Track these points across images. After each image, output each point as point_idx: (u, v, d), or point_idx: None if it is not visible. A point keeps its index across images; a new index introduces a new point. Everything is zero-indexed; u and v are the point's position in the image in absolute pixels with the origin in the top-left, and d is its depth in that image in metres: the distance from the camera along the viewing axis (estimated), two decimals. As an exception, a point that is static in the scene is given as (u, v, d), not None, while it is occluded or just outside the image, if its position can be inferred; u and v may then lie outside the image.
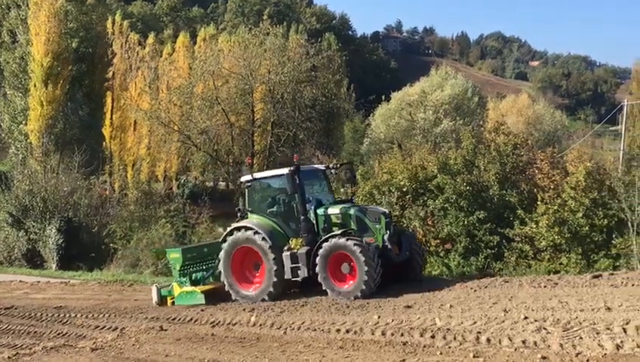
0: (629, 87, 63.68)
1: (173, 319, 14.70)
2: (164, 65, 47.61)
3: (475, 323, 10.97)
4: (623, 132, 46.50)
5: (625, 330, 9.41)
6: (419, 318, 11.80)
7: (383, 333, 11.19)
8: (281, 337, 12.05)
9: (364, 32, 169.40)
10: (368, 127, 52.11)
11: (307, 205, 16.31)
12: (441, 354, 9.76)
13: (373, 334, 11.27)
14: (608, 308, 10.84)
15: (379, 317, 12.20)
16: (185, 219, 28.61)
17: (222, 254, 16.48)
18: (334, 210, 16.31)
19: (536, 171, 21.30)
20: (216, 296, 16.42)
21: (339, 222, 16.16)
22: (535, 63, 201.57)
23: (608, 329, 9.59)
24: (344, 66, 51.68)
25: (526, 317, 10.80)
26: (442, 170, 21.35)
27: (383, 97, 50.99)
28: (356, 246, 14.78)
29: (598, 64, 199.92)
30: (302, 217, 16.03)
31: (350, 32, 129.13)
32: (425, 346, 10.21)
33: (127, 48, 53.24)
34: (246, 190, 17.44)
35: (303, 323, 12.71)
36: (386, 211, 16.78)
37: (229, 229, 16.83)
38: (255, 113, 37.31)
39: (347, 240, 15.02)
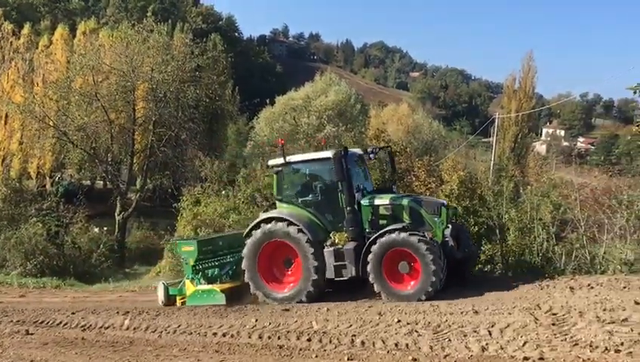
0: (501, 101, 66.96)
1: (41, 322, 14.03)
2: (40, 58, 45.50)
3: (350, 326, 11.18)
4: (494, 144, 49.00)
5: (490, 333, 9.87)
6: (296, 321, 11.89)
7: (260, 337, 11.19)
8: (156, 341, 11.81)
9: (251, 34, 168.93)
10: (252, 129, 52.05)
11: (356, 194, 14.48)
12: (316, 356, 9.87)
13: (250, 337, 11.25)
14: (476, 312, 11.33)
15: (256, 321, 12.19)
16: (58, 219, 27.42)
17: (247, 248, 14.64)
18: (383, 201, 14.59)
19: (414, 178, 21.99)
20: (237, 296, 14.77)
21: (388, 214, 14.42)
22: (415, 74, 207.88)
23: (475, 331, 10.03)
24: (229, 68, 51.19)
25: (399, 321, 11.11)
26: (324, 175, 21.60)
27: (268, 101, 51.14)
28: (422, 243, 13.11)
29: (474, 78, 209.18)
30: (348, 208, 14.09)
31: (237, 34, 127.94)
32: (301, 349, 10.31)
33: (-1, 38, 50.47)
34: (275, 176, 15.53)
35: (178, 326, 12.51)
36: (445, 202, 15.20)
37: (257, 220, 14.87)
38: (136, 111, 36.51)
39: (410, 235, 13.32)
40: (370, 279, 13.62)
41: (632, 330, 9.03)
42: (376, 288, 13.58)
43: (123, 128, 36.84)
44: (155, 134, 36.27)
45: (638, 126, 16.78)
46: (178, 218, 23.89)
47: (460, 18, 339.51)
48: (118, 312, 14.44)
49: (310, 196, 15.05)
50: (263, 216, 15.03)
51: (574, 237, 16.98)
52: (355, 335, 10.54)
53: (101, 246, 28.49)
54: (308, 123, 45.54)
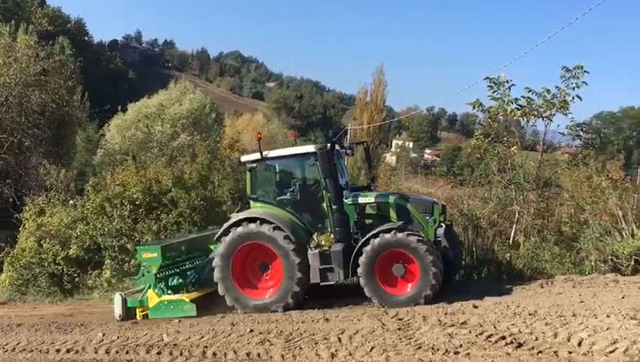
0: (354, 112, 69.05)
1: None
2: None
3: (202, 337, 11.04)
4: (346, 154, 50.30)
5: (340, 339, 10.08)
6: (146, 334, 11.60)
7: (107, 352, 10.81)
8: (-8, 360, 11.13)
9: (102, 39, 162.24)
10: (102, 137, 50.32)
11: (344, 192, 13.58)
12: (167, 369, 9.70)
13: (96, 353, 10.84)
14: (326, 319, 11.55)
15: (104, 335, 11.77)
16: None
17: (219, 252, 13.42)
18: (368, 199, 13.73)
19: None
20: (208, 306, 13.54)
21: (374, 213, 13.65)
22: (271, 84, 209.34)
23: (326, 339, 10.21)
24: (78, 73, 48.98)
25: (252, 330, 11.11)
26: (177, 184, 21.28)
27: (120, 108, 49.65)
28: (420, 244, 12.41)
29: (328, 89, 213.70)
30: (335, 207, 13.10)
31: (86, 38, 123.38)
32: (150, 363, 10.09)
33: None
34: (248, 173, 14.30)
35: (18, 344, 11.84)
36: (436, 200, 14.34)
37: (232, 221, 13.64)
38: (-27, 115, 34.23)
39: (408, 235, 12.54)
40: (361, 283, 12.91)
41: (470, 332, 9.56)
42: (367, 293, 12.89)
43: (-43, 133, 34.48)
44: (-6, 141, 34.15)
45: (477, 139, 17.85)
46: (20, 229, 22.57)
47: (314, 30, 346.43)
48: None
49: (288, 195, 14.16)
50: (236, 216, 13.90)
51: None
52: (206, 347, 10.42)
53: None
54: (162, 131, 44.66)
